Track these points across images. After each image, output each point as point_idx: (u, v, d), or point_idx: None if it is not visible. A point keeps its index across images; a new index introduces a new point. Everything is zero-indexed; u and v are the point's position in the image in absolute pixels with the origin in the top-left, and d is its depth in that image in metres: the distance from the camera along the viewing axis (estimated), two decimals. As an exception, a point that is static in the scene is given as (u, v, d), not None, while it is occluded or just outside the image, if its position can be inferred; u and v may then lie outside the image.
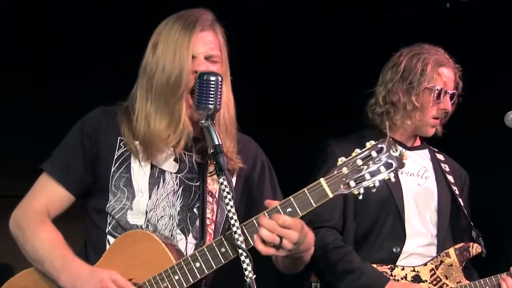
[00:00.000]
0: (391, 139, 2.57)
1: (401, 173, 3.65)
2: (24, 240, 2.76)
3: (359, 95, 3.87)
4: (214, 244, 2.60)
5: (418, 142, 3.84)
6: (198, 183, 2.82)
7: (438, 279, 3.58)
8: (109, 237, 2.77)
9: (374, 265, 3.54)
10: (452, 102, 3.73)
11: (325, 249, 3.54)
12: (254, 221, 2.56)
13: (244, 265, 2.46)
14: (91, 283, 2.58)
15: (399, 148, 2.56)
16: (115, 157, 2.78)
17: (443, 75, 3.69)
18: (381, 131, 3.71)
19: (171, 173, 2.80)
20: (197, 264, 2.60)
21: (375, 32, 5.31)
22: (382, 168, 2.52)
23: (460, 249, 3.65)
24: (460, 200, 3.76)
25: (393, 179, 2.54)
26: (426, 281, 3.56)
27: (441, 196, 3.73)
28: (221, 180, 2.51)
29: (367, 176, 2.52)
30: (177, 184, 2.80)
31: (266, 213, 2.56)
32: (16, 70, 4.87)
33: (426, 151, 3.85)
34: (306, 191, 2.55)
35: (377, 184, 2.53)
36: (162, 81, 2.72)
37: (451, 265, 3.61)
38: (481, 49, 5.01)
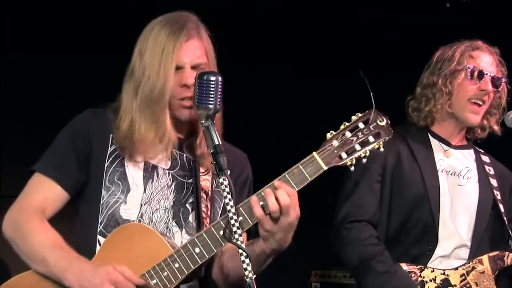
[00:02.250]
0: (377, 110, 2.63)
1: (441, 171, 3.58)
2: (22, 242, 2.73)
3: (358, 95, 3.86)
4: (212, 228, 2.60)
5: (464, 142, 3.71)
6: (190, 180, 2.83)
7: (468, 285, 3.48)
8: (99, 237, 2.75)
9: (404, 265, 3.47)
10: (499, 88, 3.57)
11: (359, 245, 3.47)
12: (250, 201, 2.58)
13: (244, 265, 2.46)
14: (98, 277, 2.56)
15: (385, 117, 2.63)
16: (108, 152, 2.78)
17: (476, 57, 3.56)
18: (420, 127, 3.64)
19: (163, 169, 2.81)
20: (197, 250, 2.60)
21: (375, 32, 5.31)
22: (371, 138, 2.60)
23: (494, 258, 3.54)
24: (501, 206, 3.64)
25: (382, 149, 2.61)
26: (455, 285, 3.47)
27: (482, 199, 3.61)
28: (221, 180, 2.51)
29: (357, 147, 2.59)
30: (170, 179, 2.81)
31: (262, 192, 2.57)
32: (16, 70, 4.87)
33: (471, 151, 3.72)
34: (300, 166, 2.59)
35: (367, 154, 2.60)
36: (147, 90, 2.74)
37: (483, 272, 3.51)
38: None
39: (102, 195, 2.76)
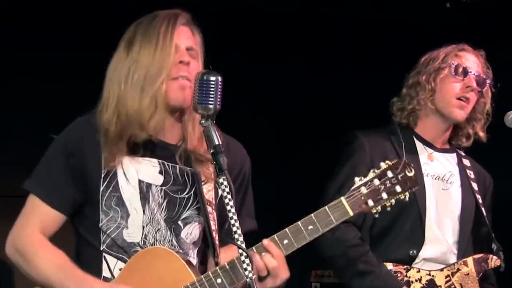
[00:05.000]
0: (405, 160, 2.70)
1: (427, 176, 3.59)
2: (27, 264, 2.72)
3: (358, 95, 3.86)
4: (235, 260, 2.60)
5: (447, 145, 3.73)
6: (183, 195, 2.80)
7: (452, 286, 3.52)
8: (105, 254, 2.73)
9: (390, 264, 3.49)
10: (484, 88, 3.59)
11: (344, 246, 3.50)
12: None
13: (244, 265, 2.46)
14: None
15: (413, 168, 2.69)
16: (102, 176, 2.74)
17: (462, 56, 3.59)
18: (404, 127, 3.65)
19: (156, 186, 2.77)
20: (219, 280, 2.61)
21: (375, 32, 5.31)
22: (398, 188, 2.65)
23: (478, 260, 3.57)
24: (483, 209, 3.67)
25: (407, 199, 2.67)
26: (440, 286, 3.50)
27: (465, 203, 3.64)
28: (221, 180, 2.51)
29: (384, 195, 2.65)
30: (161, 197, 2.77)
31: (287, 230, 2.62)
32: (17, 70, 4.87)
33: (454, 155, 3.74)
34: (327, 209, 2.63)
35: (393, 202, 2.66)
36: (140, 74, 2.68)
37: (468, 274, 3.54)
38: (481, 49, 5.01)
39: (100, 218, 2.73)
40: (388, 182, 2.64)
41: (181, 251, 2.77)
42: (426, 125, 3.65)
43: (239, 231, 2.48)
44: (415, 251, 3.51)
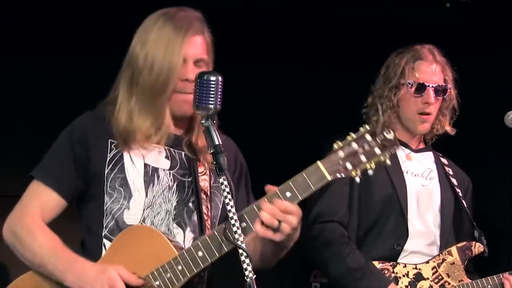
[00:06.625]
0: (385, 122, 2.62)
1: (406, 173, 3.67)
2: (22, 246, 2.75)
3: (358, 96, 3.87)
4: (216, 233, 2.61)
5: (422, 145, 3.82)
6: (190, 179, 2.85)
7: (440, 277, 3.59)
8: (105, 241, 2.77)
9: (376, 262, 3.54)
10: (445, 95, 3.66)
11: (331, 244, 3.54)
12: (255, 207, 2.57)
13: (244, 265, 2.46)
14: (99, 282, 2.59)
15: (392, 130, 2.58)
16: (108, 159, 2.79)
17: (417, 70, 3.63)
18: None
19: (164, 170, 2.82)
20: (200, 254, 2.61)
21: (375, 32, 5.31)
22: (377, 150, 2.54)
23: (462, 248, 3.65)
24: (463, 201, 3.76)
25: (388, 162, 2.56)
26: (428, 278, 3.58)
27: (444, 197, 3.72)
28: (221, 180, 2.52)
29: (363, 158, 2.54)
30: (171, 180, 2.82)
31: (265, 198, 2.57)
32: (17, 70, 4.87)
33: (431, 153, 3.84)
34: (304, 174, 2.55)
35: (373, 166, 2.55)
36: (149, 81, 2.75)
37: (453, 263, 3.62)
38: (481, 49, 5.02)
39: (105, 201, 2.78)
40: (366, 145, 2.53)
41: (192, 234, 2.81)
42: (397, 131, 3.69)
43: (239, 231, 2.49)
44: (399, 246, 3.57)
